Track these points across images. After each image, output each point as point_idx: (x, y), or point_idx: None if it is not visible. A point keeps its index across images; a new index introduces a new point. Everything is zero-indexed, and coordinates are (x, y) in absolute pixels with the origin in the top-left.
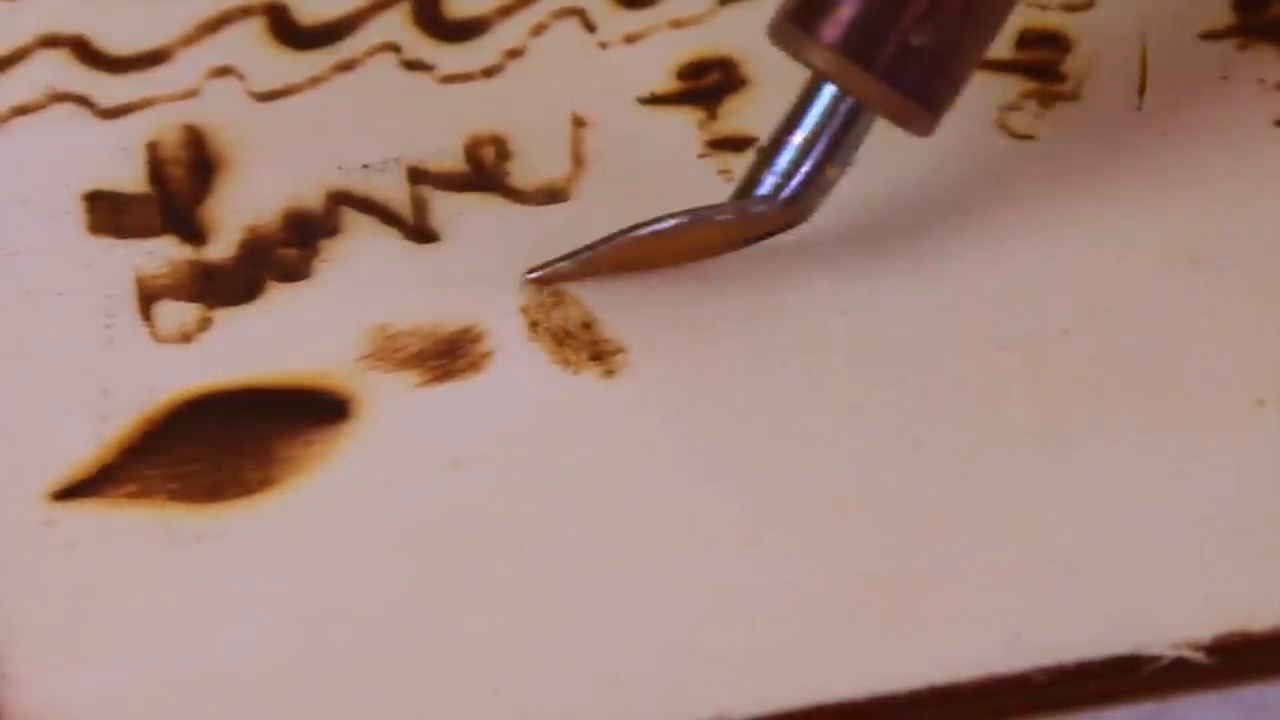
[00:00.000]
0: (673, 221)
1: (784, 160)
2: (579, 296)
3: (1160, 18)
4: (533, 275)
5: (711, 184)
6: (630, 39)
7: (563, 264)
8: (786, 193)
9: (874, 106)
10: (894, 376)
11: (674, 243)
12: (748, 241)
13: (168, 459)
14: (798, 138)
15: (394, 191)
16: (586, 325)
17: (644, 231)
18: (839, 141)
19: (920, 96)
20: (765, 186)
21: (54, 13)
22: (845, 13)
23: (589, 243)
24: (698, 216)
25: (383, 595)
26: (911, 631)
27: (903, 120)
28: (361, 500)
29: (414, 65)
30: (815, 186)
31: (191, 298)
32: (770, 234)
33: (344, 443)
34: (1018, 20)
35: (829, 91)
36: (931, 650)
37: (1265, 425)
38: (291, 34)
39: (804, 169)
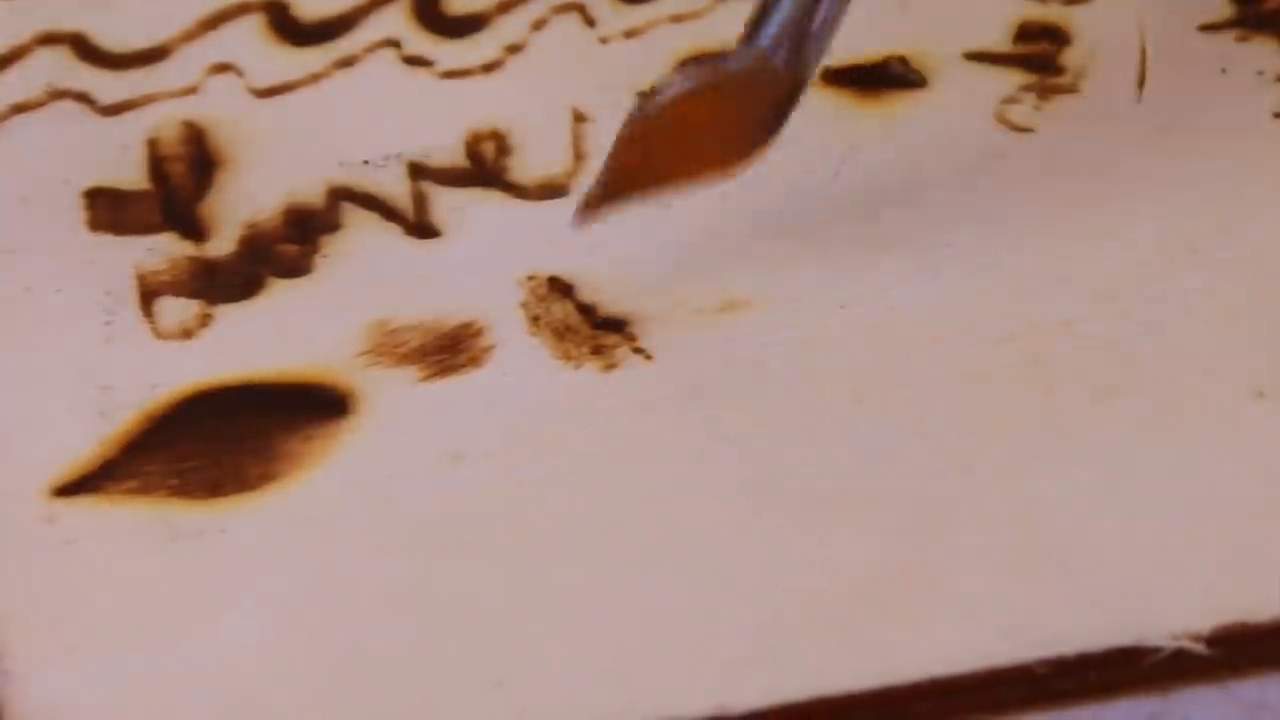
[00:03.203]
0: (675, 88)
1: (774, 18)
2: (580, 292)
3: (1159, 10)
4: (578, 220)
5: None
6: (630, 34)
7: (592, 191)
8: (781, 44)
9: None
10: (893, 369)
11: (694, 143)
12: (766, 128)
13: (168, 455)
14: None
15: (394, 187)
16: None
17: (650, 107)
18: None
19: None
20: (763, 40)
21: (53, 10)
22: None
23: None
24: (698, 76)
25: (384, 590)
26: (912, 624)
27: None
28: (363, 495)
29: (414, 61)
30: (809, 37)
31: (192, 294)
32: (782, 107)
33: (345, 438)
34: (1017, 13)
35: None
36: (932, 642)
37: (1265, 417)
38: (291, 30)
39: (790, 16)
